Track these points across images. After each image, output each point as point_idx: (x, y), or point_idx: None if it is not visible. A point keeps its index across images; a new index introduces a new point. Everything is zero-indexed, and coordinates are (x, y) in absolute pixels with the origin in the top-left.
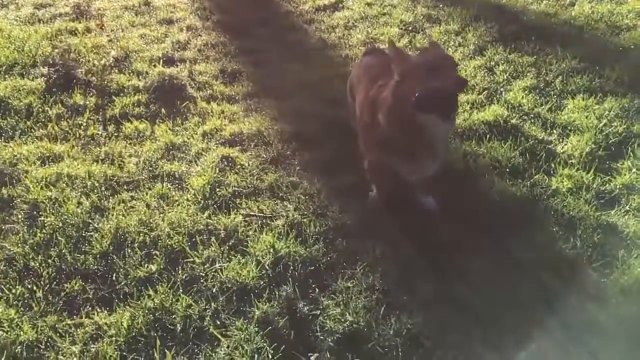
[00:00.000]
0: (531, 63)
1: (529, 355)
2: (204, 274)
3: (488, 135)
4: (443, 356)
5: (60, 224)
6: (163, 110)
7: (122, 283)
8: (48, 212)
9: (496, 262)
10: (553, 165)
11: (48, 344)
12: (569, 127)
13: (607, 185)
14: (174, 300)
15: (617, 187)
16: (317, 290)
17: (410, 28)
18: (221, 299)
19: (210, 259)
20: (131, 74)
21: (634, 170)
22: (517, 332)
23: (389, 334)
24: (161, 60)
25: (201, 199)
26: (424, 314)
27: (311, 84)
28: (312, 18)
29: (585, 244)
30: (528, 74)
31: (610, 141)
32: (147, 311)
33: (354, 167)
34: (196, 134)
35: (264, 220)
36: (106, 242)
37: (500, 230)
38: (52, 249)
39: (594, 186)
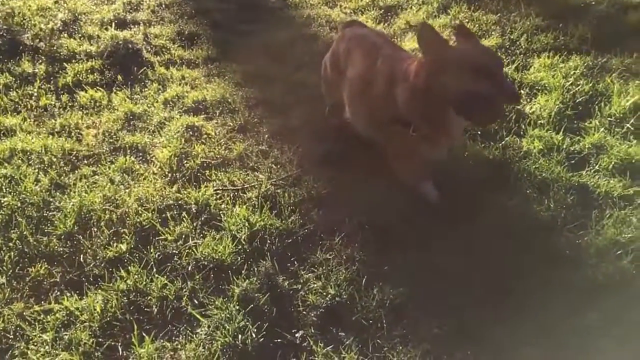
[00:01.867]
0: (495, 21)
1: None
2: (177, 252)
3: None
4: (428, 325)
5: (19, 204)
6: (119, 77)
7: (91, 265)
8: (4, 191)
9: (475, 228)
10: (523, 127)
11: (16, 333)
12: (536, 87)
13: (577, 145)
14: (147, 280)
15: (587, 147)
16: (296, 263)
17: None
18: (198, 277)
19: (183, 236)
20: (82, 39)
21: (601, 129)
22: (498, 298)
23: (372, 305)
24: (113, 23)
25: (168, 172)
26: (406, 283)
27: (274, 45)
28: None
29: (559, 206)
30: (493, 33)
31: (578, 100)
32: (120, 293)
33: (325, 133)
34: (157, 102)
35: (237, 193)
36: (70, 221)
37: (476, 195)
38: (12, 231)
39: (564, 147)
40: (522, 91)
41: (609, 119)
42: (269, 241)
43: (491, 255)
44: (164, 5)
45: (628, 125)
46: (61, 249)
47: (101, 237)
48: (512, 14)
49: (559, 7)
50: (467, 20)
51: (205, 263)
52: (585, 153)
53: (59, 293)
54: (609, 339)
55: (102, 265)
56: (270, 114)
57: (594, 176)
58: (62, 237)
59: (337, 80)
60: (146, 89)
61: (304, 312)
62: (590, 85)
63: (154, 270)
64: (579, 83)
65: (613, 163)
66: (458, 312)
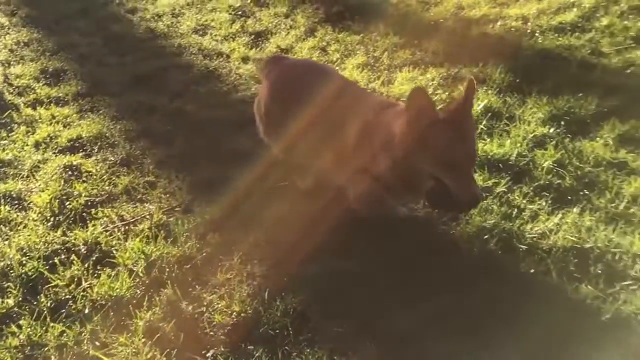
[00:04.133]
0: (359, 41)
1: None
2: (71, 296)
3: None
4: (331, 325)
5: None
6: None
7: None
8: None
9: (364, 231)
10: None
11: None
12: (401, 99)
13: None
14: (42, 331)
15: None
16: (198, 287)
17: (240, 13)
18: (96, 318)
19: (76, 279)
20: None
21: None
22: (394, 292)
23: (277, 315)
24: None
25: (50, 216)
26: (307, 290)
27: (147, 76)
28: (135, 7)
29: None
30: (358, 52)
31: (437, 108)
32: (13, 350)
33: (209, 159)
34: (27, 145)
35: (128, 227)
36: None
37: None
38: None
39: None
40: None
41: None
42: (167, 269)
43: (383, 253)
44: (22, 43)
45: (481, 126)
46: None
47: None
48: (373, 33)
49: (413, 26)
50: (333, 41)
51: (103, 302)
52: None
53: None
54: (488, 313)
55: None
56: (152, 145)
57: None
58: None
59: (282, 117)
60: (13, 133)
61: (212, 333)
62: (447, 93)
63: (48, 319)
64: (437, 92)
65: None
66: (358, 310)
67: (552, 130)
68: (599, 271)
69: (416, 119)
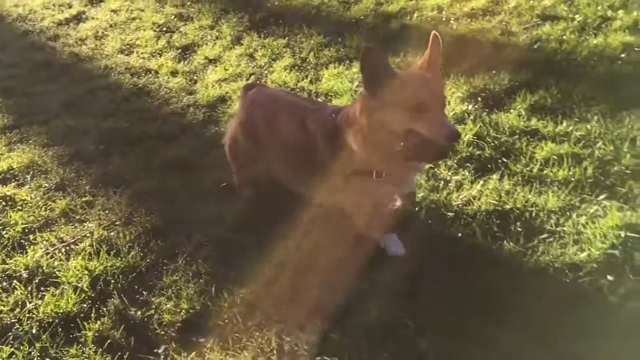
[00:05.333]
0: (285, 44)
1: None
2: (17, 319)
3: None
4: (278, 308)
5: None
6: None
7: None
8: None
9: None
10: None
11: None
12: (329, 93)
13: None
14: None
15: None
16: (145, 293)
17: (164, 29)
18: (45, 336)
19: (20, 302)
20: None
21: None
22: (330, 274)
23: (225, 307)
24: None
25: None
26: (252, 281)
27: (75, 100)
28: (56, 34)
29: None
30: (285, 55)
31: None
32: None
33: (146, 171)
34: None
35: (69, 247)
36: None
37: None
38: None
39: None
40: (319, 99)
41: None
42: (112, 281)
43: (316, 242)
44: None
45: None
46: None
47: None
48: (298, 35)
49: (335, 24)
50: (260, 47)
51: (50, 320)
52: None
53: None
54: (425, 275)
55: None
56: (87, 166)
57: None
58: None
59: (255, 151)
60: None
61: (162, 332)
62: None
63: None
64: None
65: None
66: (301, 292)
67: (470, 106)
68: (519, 229)
69: (373, 78)
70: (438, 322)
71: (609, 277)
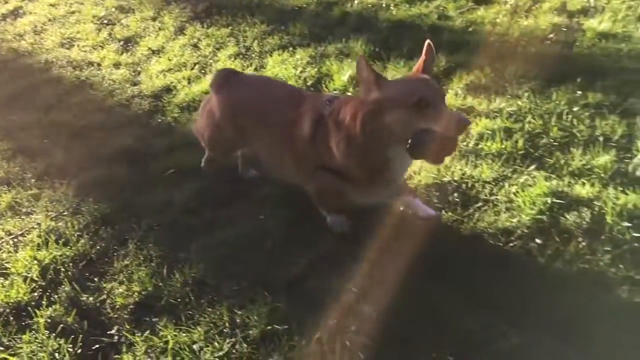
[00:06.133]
0: (229, 34)
1: None
2: None
3: None
4: (228, 285)
5: None
6: None
7: None
8: None
9: (244, 206)
10: None
11: None
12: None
13: None
14: None
15: None
16: (96, 279)
17: (105, 22)
18: None
19: None
20: None
21: None
22: (286, 246)
23: (177, 287)
24: None
25: None
26: (202, 260)
27: (15, 95)
28: None
29: None
30: (229, 44)
31: (309, 83)
32: None
33: (93, 162)
34: None
35: (16, 239)
36: None
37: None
38: None
39: None
40: None
41: (334, 91)
42: (63, 270)
43: (261, 221)
44: None
45: (349, 93)
46: None
47: None
48: (242, 25)
49: (278, 13)
50: (204, 36)
51: (1, 310)
52: None
53: None
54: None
55: None
56: (31, 160)
57: None
58: None
59: (235, 134)
60: None
61: (115, 315)
62: (316, 69)
63: None
64: (306, 70)
65: None
66: (249, 268)
67: None
68: (457, 199)
69: (372, 85)
70: (381, 287)
71: (537, 241)
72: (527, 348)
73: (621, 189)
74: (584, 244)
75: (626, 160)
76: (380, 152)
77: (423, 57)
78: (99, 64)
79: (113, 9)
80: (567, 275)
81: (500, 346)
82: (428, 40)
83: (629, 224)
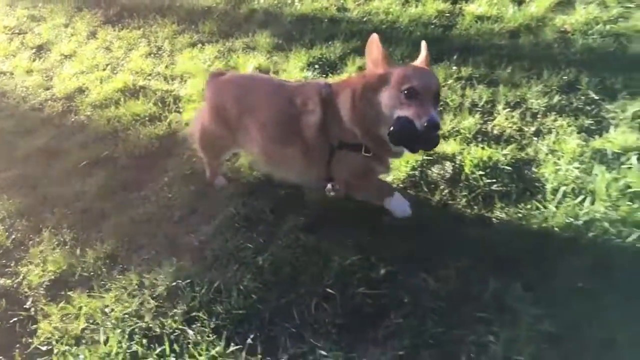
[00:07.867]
0: (140, 35)
1: None
2: None
3: (122, 99)
4: (137, 256)
5: None
6: None
7: None
8: None
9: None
10: (182, 105)
11: None
12: (184, 76)
13: None
14: None
15: None
16: (12, 265)
17: (17, 31)
18: None
19: None
20: None
21: None
22: (192, 216)
23: (90, 263)
24: None
25: None
26: (114, 236)
27: None
28: None
29: None
30: (141, 44)
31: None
32: None
33: (6, 163)
34: None
35: None
36: None
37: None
38: None
39: None
40: (174, 81)
41: None
42: None
43: (163, 203)
44: None
45: None
46: None
47: None
48: (153, 26)
49: (188, 13)
50: (116, 39)
51: None
52: None
53: None
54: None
55: None
56: None
57: None
58: None
59: (227, 136)
60: None
61: (32, 293)
62: (223, 63)
63: None
64: (214, 64)
65: None
66: (158, 239)
67: (309, 73)
68: None
69: (382, 62)
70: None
71: (410, 192)
72: (394, 275)
73: (481, 146)
74: (446, 191)
75: (488, 122)
76: (375, 128)
77: (424, 53)
78: (11, 73)
79: (24, 19)
80: (432, 217)
81: (372, 275)
82: (424, 41)
83: (482, 172)
